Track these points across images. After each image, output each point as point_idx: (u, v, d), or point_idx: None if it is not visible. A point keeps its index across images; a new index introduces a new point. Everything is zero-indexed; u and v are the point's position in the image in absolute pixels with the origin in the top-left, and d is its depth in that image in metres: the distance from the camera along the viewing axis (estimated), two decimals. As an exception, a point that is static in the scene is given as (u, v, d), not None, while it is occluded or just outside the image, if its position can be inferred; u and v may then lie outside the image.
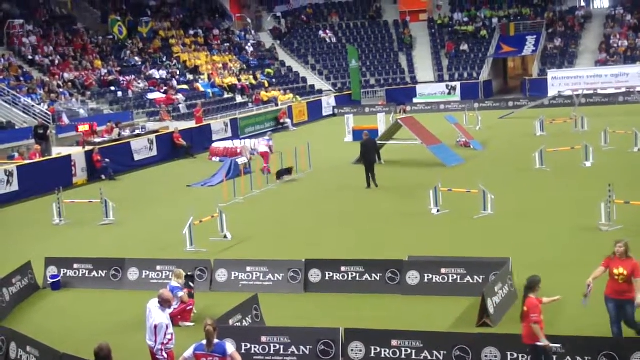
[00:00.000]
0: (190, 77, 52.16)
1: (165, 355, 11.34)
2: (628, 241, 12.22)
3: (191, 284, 15.53)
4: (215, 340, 10.28)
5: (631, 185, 23.34)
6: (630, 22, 58.36)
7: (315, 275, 16.67)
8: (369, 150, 27.81)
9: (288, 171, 30.02)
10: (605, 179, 21.13)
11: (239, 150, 35.45)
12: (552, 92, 49.88)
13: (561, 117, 40.25)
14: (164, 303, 11.64)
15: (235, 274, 17.13)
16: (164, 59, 53.03)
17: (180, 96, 47.50)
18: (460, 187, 23.50)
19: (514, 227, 20.66)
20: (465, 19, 64.59)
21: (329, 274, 16.59)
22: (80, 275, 18.16)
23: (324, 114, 54.27)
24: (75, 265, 18.28)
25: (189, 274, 15.78)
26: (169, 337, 11.42)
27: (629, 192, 21.00)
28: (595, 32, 59.73)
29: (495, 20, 63.19)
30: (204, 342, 10.23)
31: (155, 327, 11.41)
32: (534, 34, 60.20)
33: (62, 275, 18.12)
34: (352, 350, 12.57)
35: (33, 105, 38.63)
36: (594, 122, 37.70)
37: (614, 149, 31.30)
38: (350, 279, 16.44)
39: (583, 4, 63.64)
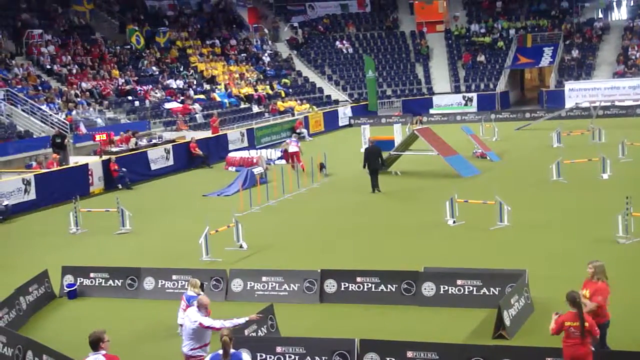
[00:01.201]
0: (207, 87, 52.33)
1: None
2: (600, 264, 12.05)
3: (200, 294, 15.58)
4: (232, 350, 10.28)
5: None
6: (648, 33, 58.21)
7: (330, 286, 16.66)
8: (372, 157, 28.48)
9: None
10: (623, 191, 21.02)
11: (255, 160, 35.50)
12: (569, 103, 49.74)
13: (578, 128, 40.10)
14: (202, 308, 11.82)
15: (250, 283, 17.13)
16: (181, 69, 53.24)
17: (197, 106, 47.65)
18: (477, 199, 23.42)
19: (531, 239, 20.58)
20: (482, 30, 64.54)
21: (344, 284, 16.57)
22: (97, 284, 18.21)
23: (340, 124, 54.27)
24: (92, 274, 18.33)
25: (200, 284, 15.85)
26: (206, 341, 11.55)
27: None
28: (613, 44, 59.55)
29: (512, 32, 63.11)
30: (220, 352, 10.23)
31: (200, 324, 11.60)
32: (551, 45, 60.07)
33: (78, 284, 18.19)
34: (367, 361, 12.54)
35: (51, 115, 38.86)
36: (611, 133, 37.53)
37: (631, 161, 31.15)
38: (365, 289, 16.42)
39: (601, 15, 63.45)
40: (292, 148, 34.41)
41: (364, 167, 28.76)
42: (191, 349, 11.65)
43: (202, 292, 15.50)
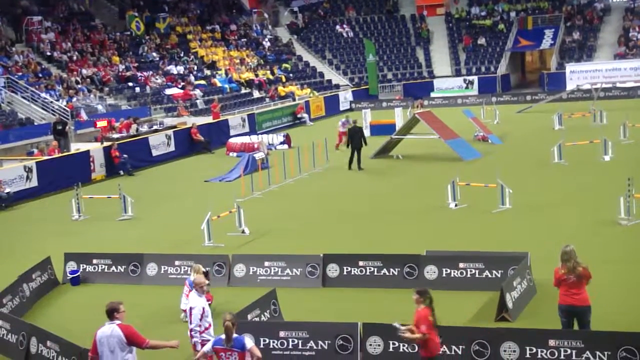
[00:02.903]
0: (207, 72, 52.24)
1: (199, 340, 11.44)
2: (568, 249, 11.89)
3: (207, 280, 15.59)
4: (234, 335, 10.31)
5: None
6: (649, 15, 58.02)
7: (333, 270, 16.68)
8: (354, 137, 30.46)
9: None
10: (625, 173, 21.01)
11: (256, 146, 35.49)
12: (570, 85, 49.65)
13: (580, 111, 40.05)
14: (198, 288, 11.91)
15: (253, 269, 17.16)
16: (182, 55, 53.15)
17: (197, 91, 47.62)
18: (478, 182, 23.43)
19: (532, 221, 20.59)
20: (483, 13, 64.34)
21: (347, 268, 16.60)
22: (99, 270, 18.25)
23: (341, 108, 54.11)
24: (94, 261, 18.37)
25: (204, 271, 15.86)
26: (206, 324, 11.57)
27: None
28: (614, 25, 59.35)
29: (512, 14, 62.91)
30: (223, 336, 10.26)
31: (191, 309, 11.72)
32: (552, 28, 59.89)
33: (81, 270, 18.23)
34: (370, 345, 12.57)
35: (51, 102, 38.82)
36: (612, 115, 37.48)
37: (633, 143, 31.13)
38: (368, 273, 16.45)
39: (602, -4, 63.26)
40: (341, 128, 35.44)
41: (347, 146, 30.84)
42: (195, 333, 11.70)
43: (208, 282, 15.61)
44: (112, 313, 10.63)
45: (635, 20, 58.00)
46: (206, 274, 15.72)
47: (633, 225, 19.12)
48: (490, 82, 57.07)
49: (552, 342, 11.66)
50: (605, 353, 11.40)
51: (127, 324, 10.67)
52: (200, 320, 11.60)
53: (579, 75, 50.96)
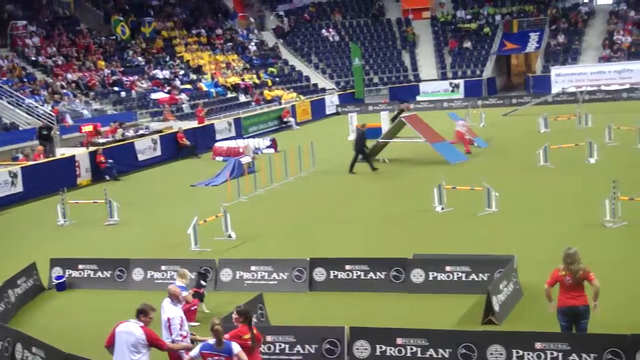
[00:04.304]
0: (193, 76, 52.16)
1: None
2: (572, 251, 11.83)
3: (203, 282, 15.55)
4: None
5: (636, 181, 23.24)
6: (634, 18, 58.21)
7: (320, 274, 16.67)
8: (356, 141, 30.50)
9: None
10: (610, 176, 21.08)
11: (241, 150, 35.46)
12: (555, 88, 49.83)
13: (565, 113, 40.16)
14: (173, 297, 11.84)
15: (239, 273, 17.13)
16: (167, 59, 53.07)
17: (183, 96, 47.55)
18: (465, 185, 23.47)
19: (519, 224, 20.64)
20: (468, 17, 64.52)
21: (333, 272, 16.59)
22: (85, 275, 18.17)
23: (328, 112, 54.21)
24: (80, 266, 18.29)
25: (201, 271, 15.85)
26: (184, 333, 11.52)
27: (634, 188, 20.95)
28: (598, 29, 59.62)
29: (498, 18, 63.13)
30: (212, 341, 10.23)
31: (168, 319, 11.62)
32: (537, 31, 60.11)
33: (67, 276, 18.14)
34: (357, 348, 12.56)
35: (37, 107, 38.69)
36: (598, 118, 37.61)
37: (618, 145, 31.26)
38: (355, 277, 16.44)
39: (586, 0, 63.52)
40: (460, 128, 34.03)
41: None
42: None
43: (204, 283, 15.60)
44: (139, 313, 10.78)
45: (619, 24, 58.29)
46: (204, 276, 15.73)
47: (619, 227, 19.20)
48: (476, 86, 57.20)
49: (538, 345, 11.69)
50: (592, 355, 11.45)
51: (151, 329, 10.81)
52: (180, 329, 11.55)
53: (564, 78, 51.13)
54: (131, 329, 10.65)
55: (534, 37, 59.70)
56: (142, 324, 10.71)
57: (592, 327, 11.97)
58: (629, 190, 20.29)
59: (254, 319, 13.70)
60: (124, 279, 17.81)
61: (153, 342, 10.69)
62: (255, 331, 10.70)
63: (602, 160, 28.29)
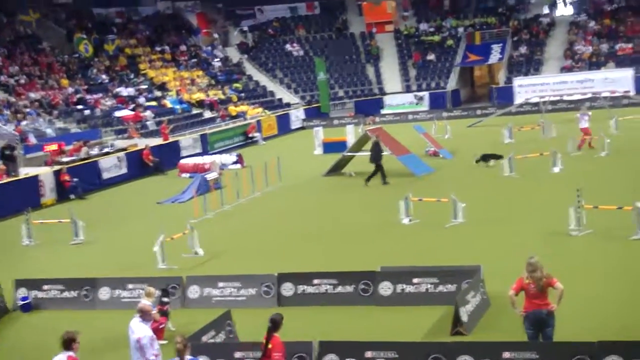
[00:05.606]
0: (158, 93, 51.92)
1: None
2: (533, 260, 12.01)
3: (166, 299, 15.35)
4: (189, 357, 10.21)
5: (599, 189, 23.51)
6: (594, 28, 59.01)
7: (288, 289, 16.63)
8: (372, 152, 29.97)
9: (495, 156, 31.23)
10: (574, 184, 21.28)
11: (207, 166, 35.35)
12: (518, 99, 50.21)
13: (529, 124, 40.53)
14: (144, 315, 11.68)
15: (207, 290, 17.05)
16: (131, 76, 52.80)
17: (148, 113, 47.29)
18: (431, 197, 23.57)
19: (485, 234, 20.75)
20: (431, 29, 64.93)
21: (301, 287, 16.56)
22: (51, 296, 17.99)
23: (293, 127, 54.26)
24: (45, 287, 18.09)
25: (164, 288, 15.68)
26: (155, 351, 11.39)
27: (598, 197, 21.16)
28: (559, 39, 60.30)
29: (461, 30, 63.59)
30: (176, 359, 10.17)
31: (139, 340, 11.44)
32: (500, 42, 60.62)
33: (32, 297, 17.94)
34: (326, 363, 12.54)
35: (-1, 126, 38.29)
36: (561, 128, 38.00)
37: (581, 155, 31.55)
38: (323, 291, 16.43)
39: (547, 11, 64.25)
40: (583, 124, 33.02)
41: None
42: None
43: (167, 300, 15.39)
44: (70, 343, 10.55)
45: (580, 34, 59.00)
46: (167, 293, 15.56)
47: (584, 235, 19.36)
48: (441, 98, 57.55)
49: (506, 354, 11.74)
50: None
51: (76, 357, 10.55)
52: (152, 348, 11.43)
53: (527, 88, 51.48)
54: None
55: (496, 48, 60.20)
56: (71, 353, 10.50)
57: (558, 335, 12.05)
58: (593, 199, 20.47)
59: (222, 335, 13.68)
60: (90, 299, 17.66)
61: None
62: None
63: (566, 169, 28.55)
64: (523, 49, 59.44)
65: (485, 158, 31.27)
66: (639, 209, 18.67)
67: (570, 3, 64.16)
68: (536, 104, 47.24)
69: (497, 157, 31.05)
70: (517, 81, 53.39)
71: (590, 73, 52.26)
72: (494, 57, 59.95)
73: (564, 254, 18.02)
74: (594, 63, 54.97)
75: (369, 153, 29.97)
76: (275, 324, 11.00)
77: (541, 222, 21.29)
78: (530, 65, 57.96)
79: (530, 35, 60.85)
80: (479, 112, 51.14)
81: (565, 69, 55.51)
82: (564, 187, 24.31)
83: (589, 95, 47.89)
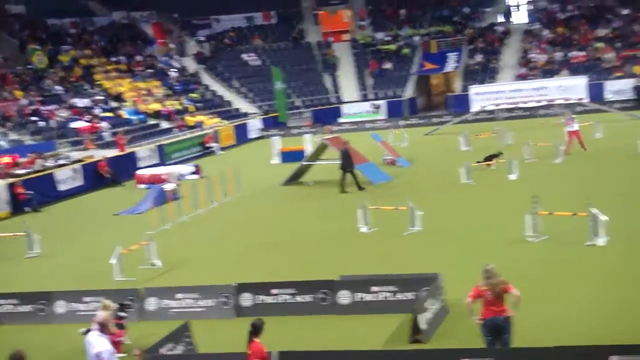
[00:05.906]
0: (113, 104, 51.55)
1: None
2: (489, 267, 12.18)
3: (123, 314, 15.13)
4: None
5: (555, 196, 23.77)
6: (548, 36, 59.76)
7: (246, 299, 16.55)
8: (342, 160, 29.94)
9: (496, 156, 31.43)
10: (530, 191, 21.47)
11: (164, 177, 35.13)
12: (475, 107, 50.55)
13: (485, 131, 40.86)
14: (102, 327, 11.54)
15: (165, 301, 16.91)
16: (87, 87, 52.35)
17: (104, 124, 46.90)
18: (389, 205, 23.63)
19: (443, 242, 20.82)
20: (388, 38, 65.29)
21: (260, 297, 16.49)
22: (5, 311, 17.71)
23: (251, 136, 54.19)
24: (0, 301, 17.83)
25: (123, 302, 15.46)
26: None
27: (553, 203, 21.38)
28: (514, 47, 60.95)
29: (417, 39, 64.01)
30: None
31: (99, 355, 11.32)
32: (456, 51, 61.08)
33: (-14, 312, 17.65)
34: (286, 373, 12.47)
35: (-48, 139, 37.75)
36: (516, 135, 38.36)
37: (536, 161, 31.85)
38: (281, 301, 16.37)
39: (502, 20, 64.92)
40: (574, 127, 33.07)
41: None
42: None
43: (124, 314, 15.18)
44: None
45: (534, 42, 59.69)
46: (124, 306, 15.35)
47: (540, 241, 19.52)
48: (398, 106, 57.84)
49: (465, 362, 11.77)
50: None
51: None
52: None
53: (483, 96, 51.74)
54: None
55: (452, 57, 60.64)
56: None
57: (516, 341, 12.11)
58: (549, 205, 20.68)
59: (181, 347, 13.55)
60: (46, 313, 17.41)
61: None
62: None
63: (522, 176, 28.80)
64: (479, 57, 59.97)
65: (489, 159, 31.58)
66: (593, 215, 18.89)
67: (526, 10, 64.97)
68: (492, 112, 47.66)
69: (497, 155, 31.43)
70: (473, 89, 53.64)
71: (544, 81, 52.72)
72: (450, 65, 60.37)
73: (521, 260, 18.14)
74: (548, 71, 55.60)
75: (339, 162, 29.89)
76: (255, 329, 10.98)
77: (498, 229, 21.44)
78: (486, 73, 58.46)
79: (486, 44, 61.44)
80: (435, 120, 51.50)
81: (520, 77, 56.05)
82: (520, 193, 24.50)
83: (544, 103, 48.43)
